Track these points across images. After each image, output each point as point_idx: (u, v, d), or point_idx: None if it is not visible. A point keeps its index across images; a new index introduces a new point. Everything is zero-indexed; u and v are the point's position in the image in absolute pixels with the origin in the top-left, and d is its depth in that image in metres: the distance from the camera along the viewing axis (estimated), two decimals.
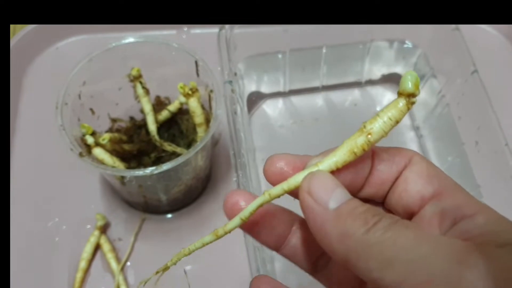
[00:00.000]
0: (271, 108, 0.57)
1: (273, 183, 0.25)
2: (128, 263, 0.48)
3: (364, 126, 0.23)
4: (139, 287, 0.26)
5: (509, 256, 0.19)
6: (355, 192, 0.24)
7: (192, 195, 0.51)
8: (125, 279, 0.47)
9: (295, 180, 0.23)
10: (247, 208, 0.24)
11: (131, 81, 0.48)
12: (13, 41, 0.57)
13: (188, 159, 0.42)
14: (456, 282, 0.19)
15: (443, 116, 0.52)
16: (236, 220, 0.24)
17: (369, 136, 0.23)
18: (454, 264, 0.19)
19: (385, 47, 0.56)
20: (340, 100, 0.57)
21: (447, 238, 0.21)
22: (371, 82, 0.58)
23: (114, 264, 0.47)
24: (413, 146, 0.54)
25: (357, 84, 0.58)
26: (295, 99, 0.58)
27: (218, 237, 0.24)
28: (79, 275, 0.46)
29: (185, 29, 0.61)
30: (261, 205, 0.24)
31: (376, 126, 0.22)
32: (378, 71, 0.58)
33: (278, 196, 0.24)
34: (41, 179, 0.52)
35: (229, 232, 0.24)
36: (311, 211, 0.22)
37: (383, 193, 0.25)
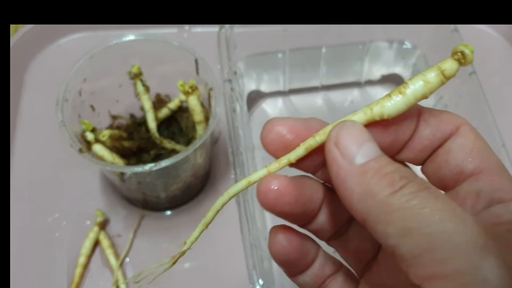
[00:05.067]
0: (271, 107, 0.57)
1: (273, 152, 0.23)
2: (127, 259, 0.48)
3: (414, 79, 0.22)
4: (181, 246, 0.24)
5: None
6: (391, 155, 0.22)
7: (191, 193, 0.51)
8: (124, 275, 0.47)
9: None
10: (297, 150, 0.22)
11: (132, 78, 0.48)
12: (15, 37, 0.57)
13: (187, 156, 0.42)
14: (474, 268, 0.18)
15: None
16: (284, 161, 0.22)
17: (420, 81, 0.21)
18: (476, 249, 0.18)
19: (385, 48, 0.56)
20: (339, 100, 0.58)
21: (474, 219, 0.19)
22: (370, 82, 0.58)
23: (113, 260, 0.47)
24: None
25: (356, 84, 0.58)
26: (295, 99, 0.58)
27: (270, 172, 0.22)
28: (78, 270, 0.46)
29: (186, 27, 0.61)
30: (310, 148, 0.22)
31: (432, 75, 0.21)
32: (377, 71, 0.58)
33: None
34: (41, 174, 0.52)
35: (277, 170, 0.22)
36: (335, 164, 0.20)
37: (421, 160, 0.23)
